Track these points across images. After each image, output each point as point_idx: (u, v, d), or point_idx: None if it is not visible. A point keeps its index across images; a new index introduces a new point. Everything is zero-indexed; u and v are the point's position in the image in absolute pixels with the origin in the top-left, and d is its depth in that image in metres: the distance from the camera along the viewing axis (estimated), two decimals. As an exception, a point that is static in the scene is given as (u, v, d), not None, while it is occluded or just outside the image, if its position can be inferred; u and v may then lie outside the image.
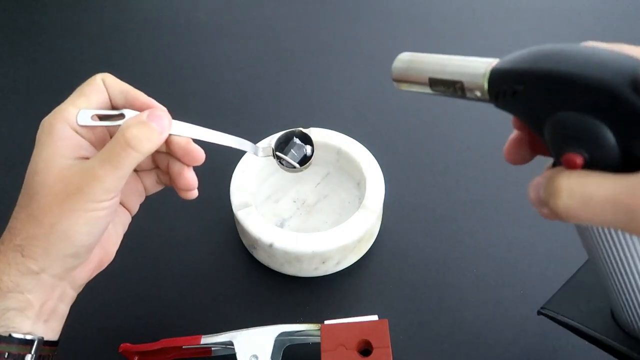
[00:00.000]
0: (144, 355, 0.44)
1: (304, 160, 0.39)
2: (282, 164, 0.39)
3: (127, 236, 0.54)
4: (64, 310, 0.35)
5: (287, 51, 0.74)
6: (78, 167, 0.32)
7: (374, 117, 0.64)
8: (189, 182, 0.37)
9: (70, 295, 0.35)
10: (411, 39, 0.75)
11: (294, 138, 0.39)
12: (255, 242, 0.49)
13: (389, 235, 0.53)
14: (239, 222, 0.50)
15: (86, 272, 0.35)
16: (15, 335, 0.31)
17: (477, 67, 0.27)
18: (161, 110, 0.35)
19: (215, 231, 0.54)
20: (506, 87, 0.26)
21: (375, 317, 0.41)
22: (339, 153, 0.55)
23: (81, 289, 0.36)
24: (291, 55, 0.73)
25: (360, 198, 0.52)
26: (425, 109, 0.65)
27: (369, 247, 0.52)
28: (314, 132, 0.55)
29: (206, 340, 0.42)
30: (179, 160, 0.37)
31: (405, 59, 0.31)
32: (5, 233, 0.32)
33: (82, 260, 0.34)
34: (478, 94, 0.28)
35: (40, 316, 0.33)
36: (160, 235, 0.54)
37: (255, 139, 0.54)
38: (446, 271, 0.50)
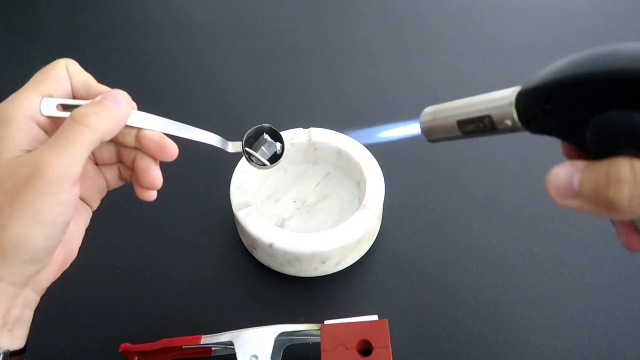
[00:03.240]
0: (144, 355, 0.44)
1: (275, 158, 0.38)
2: (252, 161, 0.38)
3: (127, 236, 0.55)
4: (28, 315, 0.32)
5: (287, 51, 0.74)
6: (26, 157, 0.29)
7: (374, 117, 0.64)
8: (155, 180, 0.35)
9: (35, 299, 0.32)
10: (412, 39, 0.75)
11: (264, 134, 0.38)
12: (255, 242, 0.49)
13: (389, 235, 0.53)
14: (239, 222, 0.50)
15: (49, 274, 0.33)
16: None
17: (502, 96, 0.27)
18: (118, 91, 0.32)
19: (215, 231, 0.54)
20: (537, 109, 0.25)
21: (375, 317, 0.41)
22: (339, 153, 0.55)
23: (44, 291, 0.33)
24: (291, 55, 0.73)
25: (360, 198, 0.52)
26: (424, 109, 0.65)
27: (369, 247, 0.52)
28: (314, 132, 0.55)
29: (206, 340, 0.42)
30: (150, 155, 0.34)
31: (430, 111, 0.32)
32: None
33: (43, 265, 0.30)
34: (509, 123, 0.27)
35: (5, 327, 0.30)
36: (160, 235, 0.54)
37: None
38: (446, 271, 0.50)
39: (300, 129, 0.55)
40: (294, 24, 0.78)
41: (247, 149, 0.38)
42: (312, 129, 0.55)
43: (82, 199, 0.35)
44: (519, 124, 0.27)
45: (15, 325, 0.31)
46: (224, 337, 0.42)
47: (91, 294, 0.50)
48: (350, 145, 0.54)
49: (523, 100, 0.26)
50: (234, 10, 0.82)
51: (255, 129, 0.38)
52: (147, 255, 0.53)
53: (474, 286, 0.49)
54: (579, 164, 0.24)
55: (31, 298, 0.32)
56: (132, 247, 0.54)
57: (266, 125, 0.38)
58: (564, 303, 0.48)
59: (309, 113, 0.66)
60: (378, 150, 0.54)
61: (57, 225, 0.29)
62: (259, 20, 0.79)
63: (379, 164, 0.52)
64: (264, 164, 0.38)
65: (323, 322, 0.41)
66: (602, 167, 0.23)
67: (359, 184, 0.54)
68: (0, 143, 0.29)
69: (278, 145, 0.38)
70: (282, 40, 0.76)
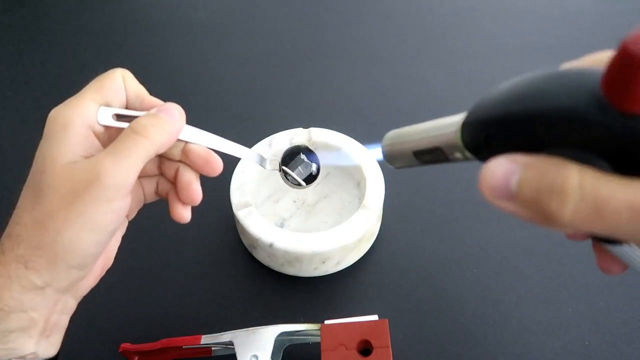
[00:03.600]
0: (144, 355, 0.44)
1: (310, 179, 0.39)
2: (288, 179, 0.39)
3: (127, 236, 0.55)
4: (65, 321, 0.32)
5: (287, 51, 0.74)
6: (85, 162, 0.29)
7: (374, 117, 0.64)
8: (195, 195, 0.35)
9: (72, 306, 0.33)
10: (412, 39, 0.75)
11: (301, 154, 0.39)
12: (255, 242, 0.49)
13: (389, 235, 0.53)
14: (239, 222, 0.50)
15: (90, 281, 0.33)
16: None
17: (449, 126, 0.25)
18: (172, 105, 0.33)
19: (215, 231, 0.54)
20: (481, 142, 0.22)
21: (375, 317, 0.41)
22: (339, 153, 0.54)
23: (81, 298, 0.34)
24: (292, 55, 0.73)
25: (360, 198, 0.52)
26: (424, 109, 0.65)
27: (369, 247, 0.52)
28: (314, 132, 0.55)
29: (206, 340, 0.42)
30: (195, 169, 0.35)
31: (389, 137, 0.30)
32: (5, 240, 0.29)
33: (87, 271, 0.31)
34: (459, 155, 0.25)
35: (44, 333, 0.30)
36: (160, 235, 0.54)
37: (255, 139, 0.55)
38: (446, 271, 0.50)
39: (300, 129, 0.55)
40: (294, 24, 0.78)
41: (284, 167, 0.39)
42: (312, 129, 0.55)
43: None
44: (470, 155, 0.24)
45: (52, 331, 0.31)
46: (224, 337, 0.42)
47: (91, 294, 0.50)
48: (350, 145, 0.54)
49: (465, 134, 0.24)
50: (234, 10, 0.82)
51: (292, 147, 0.39)
52: (147, 255, 0.53)
53: (474, 286, 0.49)
54: (520, 160, 0.20)
55: (70, 304, 0.32)
56: (132, 247, 0.53)
57: (303, 145, 0.39)
58: (564, 303, 0.48)
59: (309, 113, 0.66)
60: (378, 150, 0.54)
61: (107, 233, 0.30)
62: (259, 20, 0.79)
63: (379, 164, 0.52)
64: (300, 184, 0.39)
65: (323, 322, 0.42)
66: (546, 170, 0.19)
67: (359, 184, 0.54)
68: (58, 147, 0.29)
69: (314, 166, 0.39)
70: (282, 40, 0.76)
